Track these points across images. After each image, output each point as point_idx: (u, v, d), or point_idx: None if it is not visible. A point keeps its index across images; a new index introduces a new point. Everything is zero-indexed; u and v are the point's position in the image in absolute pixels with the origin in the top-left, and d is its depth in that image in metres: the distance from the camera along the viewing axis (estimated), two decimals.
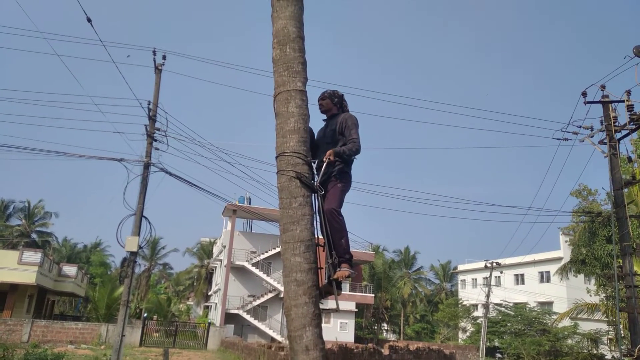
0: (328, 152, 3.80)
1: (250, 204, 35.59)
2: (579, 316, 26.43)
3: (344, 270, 3.70)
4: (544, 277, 43.34)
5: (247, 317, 34.62)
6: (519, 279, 46.27)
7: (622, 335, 17.62)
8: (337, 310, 3.70)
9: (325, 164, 3.77)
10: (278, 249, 35.69)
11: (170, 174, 14.07)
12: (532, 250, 34.90)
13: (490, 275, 36.50)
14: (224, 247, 37.96)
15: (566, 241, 36.14)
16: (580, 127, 13.28)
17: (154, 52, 14.38)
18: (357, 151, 3.98)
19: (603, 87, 12.41)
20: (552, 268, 37.91)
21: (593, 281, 29.56)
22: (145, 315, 33.51)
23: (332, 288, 3.67)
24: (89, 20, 10.41)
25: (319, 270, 3.61)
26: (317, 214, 3.72)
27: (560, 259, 38.90)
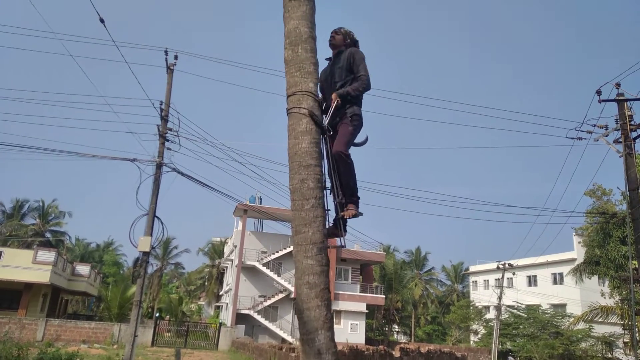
0: (333, 96, 3.81)
1: (261, 203, 35.66)
2: (594, 319, 26.06)
3: (350, 210, 3.78)
4: (557, 279, 42.85)
5: (258, 317, 34.70)
6: (532, 281, 45.81)
7: (638, 339, 17.34)
8: (343, 246, 3.89)
9: (332, 108, 3.79)
10: (289, 249, 35.73)
11: (182, 174, 14.14)
12: (545, 251, 34.57)
13: (503, 276, 36.18)
14: (235, 246, 38.09)
15: (579, 242, 35.68)
16: (594, 125, 13.09)
17: (166, 52, 14.44)
18: (366, 88, 3.95)
19: (618, 85, 12.24)
20: (566, 269, 37.44)
21: (607, 283, 29.14)
22: (157, 315, 33.76)
23: (337, 230, 3.79)
24: (101, 20, 10.49)
25: (326, 212, 3.66)
26: (325, 156, 3.77)
27: (573, 260, 38.41)
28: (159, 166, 13.57)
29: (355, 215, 3.81)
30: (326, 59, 4.30)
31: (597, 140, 13.09)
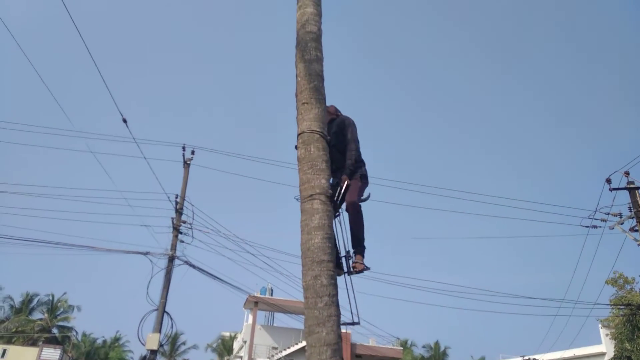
0: (343, 178, 4.34)
1: (272, 294, 34.87)
2: None
3: (359, 264, 4.21)
4: None
5: None
6: None
7: None
8: (358, 323, 4.15)
9: (343, 188, 4.27)
10: (300, 345, 34.27)
11: (194, 267, 14.05)
12: (571, 344, 32.56)
13: None
14: (245, 342, 36.66)
15: (607, 334, 33.78)
16: (608, 214, 13.03)
17: (184, 148, 15.03)
18: (357, 151, 4.63)
19: (627, 173, 12.35)
20: None
21: None
22: None
23: (340, 270, 4.14)
24: (124, 121, 11.09)
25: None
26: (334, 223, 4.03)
27: (603, 354, 36.10)
28: (171, 259, 13.55)
29: (363, 270, 4.18)
30: None
31: (613, 228, 12.96)
